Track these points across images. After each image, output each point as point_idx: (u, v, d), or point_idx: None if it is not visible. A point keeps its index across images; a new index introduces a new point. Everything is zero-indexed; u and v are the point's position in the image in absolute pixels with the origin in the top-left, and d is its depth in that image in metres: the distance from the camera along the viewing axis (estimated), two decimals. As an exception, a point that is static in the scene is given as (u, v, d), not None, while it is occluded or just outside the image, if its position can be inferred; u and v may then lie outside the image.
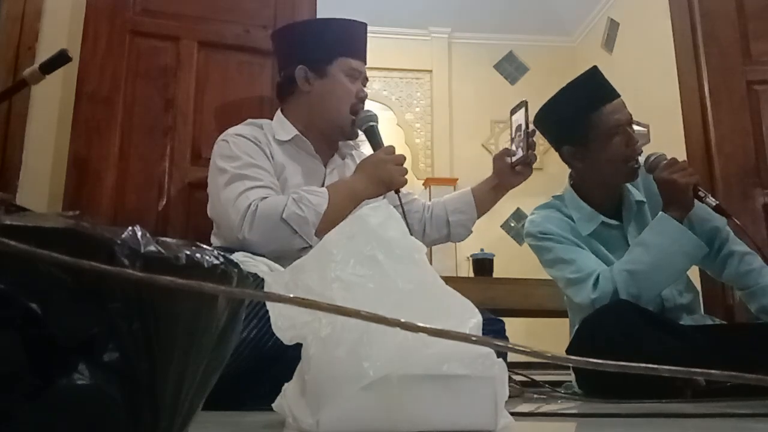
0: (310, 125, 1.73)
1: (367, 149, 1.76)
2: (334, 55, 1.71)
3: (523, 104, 1.66)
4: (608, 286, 1.67)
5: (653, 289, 1.68)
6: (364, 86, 1.75)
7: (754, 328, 1.75)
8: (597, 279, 1.70)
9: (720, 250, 1.84)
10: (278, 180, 1.62)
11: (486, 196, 1.82)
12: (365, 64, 1.77)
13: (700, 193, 1.65)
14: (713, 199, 1.64)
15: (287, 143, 1.69)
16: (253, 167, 1.58)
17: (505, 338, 1.47)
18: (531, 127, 1.66)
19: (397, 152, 1.63)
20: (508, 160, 1.72)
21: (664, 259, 1.65)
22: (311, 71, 1.72)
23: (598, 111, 1.76)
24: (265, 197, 1.51)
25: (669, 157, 1.73)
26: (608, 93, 1.80)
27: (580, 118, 1.78)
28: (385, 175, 1.58)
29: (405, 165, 1.62)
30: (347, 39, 1.74)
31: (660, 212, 1.70)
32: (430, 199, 1.90)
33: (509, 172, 1.73)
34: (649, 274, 1.65)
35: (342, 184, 1.60)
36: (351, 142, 1.81)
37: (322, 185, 1.67)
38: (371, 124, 1.66)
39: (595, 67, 1.85)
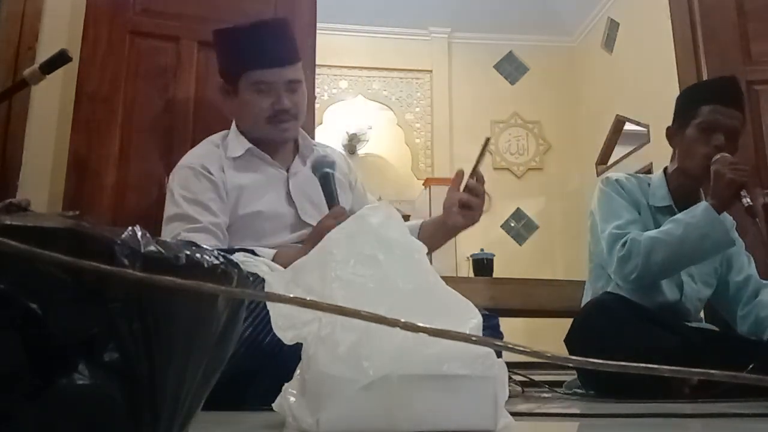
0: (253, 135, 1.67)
1: (330, 143, 1.66)
2: (241, 70, 1.62)
3: (486, 141, 1.56)
4: (635, 246, 1.74)
5: (673, 262, 1.74)
6: (295, 91, 1.63)
7: (751, 341, 1.80)
8: (628, 239, 1.78)
9: (749, 301, 1.90)
10: (238, 204, 1.56)
11: (434, 233, 1.63)
12: (291, 64, 1.63)
13: (741, 192, 1.70)
14: (748, 200, 1.68)
15: (242, 158, 1.63)
16: (194, 204, 1.53)
17: (500, 333, 1.43)
18: (480, 169, 1.53)
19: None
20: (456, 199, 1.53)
21: (692, 238, 1.71)
22: (228, 85, 1.67)
23: (707, 105, 1.86)
24: None
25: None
26: (726, 97, 1.87)
27: (694, 104, 1.90)
28: None
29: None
30: (254, 48, 1.61)
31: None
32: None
33: (455, 212, 1.52)
34: (675, 247, 1.72)
35: (292, 253, 1.32)
36: (310, 144, 1.75)
37: (288, 193, 1.64)
38: (326, 171, 1.51)
39: (735, 77, 1.97)
